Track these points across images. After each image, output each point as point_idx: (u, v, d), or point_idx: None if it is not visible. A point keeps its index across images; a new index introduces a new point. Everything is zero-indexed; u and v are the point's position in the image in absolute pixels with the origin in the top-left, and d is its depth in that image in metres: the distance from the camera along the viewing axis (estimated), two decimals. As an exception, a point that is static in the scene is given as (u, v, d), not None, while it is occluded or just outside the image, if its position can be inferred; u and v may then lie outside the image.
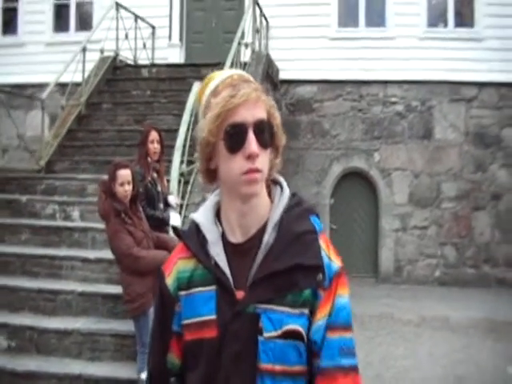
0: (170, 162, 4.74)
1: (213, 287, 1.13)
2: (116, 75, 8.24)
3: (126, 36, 8.34)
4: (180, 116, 5.99)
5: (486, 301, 7.40)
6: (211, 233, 1.16)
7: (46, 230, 5.31)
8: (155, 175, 4.23)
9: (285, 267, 1.08)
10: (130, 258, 3.47)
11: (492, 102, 8.54)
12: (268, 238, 1.12)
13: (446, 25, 8.80)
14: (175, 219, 4.22)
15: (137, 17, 8.58)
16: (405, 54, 8.45)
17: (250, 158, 1.07)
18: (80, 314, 4.47)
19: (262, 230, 1.13)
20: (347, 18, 8.95)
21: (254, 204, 1.13)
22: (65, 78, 6.89)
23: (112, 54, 8.18)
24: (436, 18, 8.86)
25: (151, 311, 3.35)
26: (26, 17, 9.54)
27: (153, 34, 9.05)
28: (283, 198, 1.17)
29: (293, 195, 1.20)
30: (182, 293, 1.17)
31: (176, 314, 1.19)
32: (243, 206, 1.13)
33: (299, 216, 1.15)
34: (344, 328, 1.10)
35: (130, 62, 8.61)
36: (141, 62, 8.72)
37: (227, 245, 1.15)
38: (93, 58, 7.63)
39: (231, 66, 5.94)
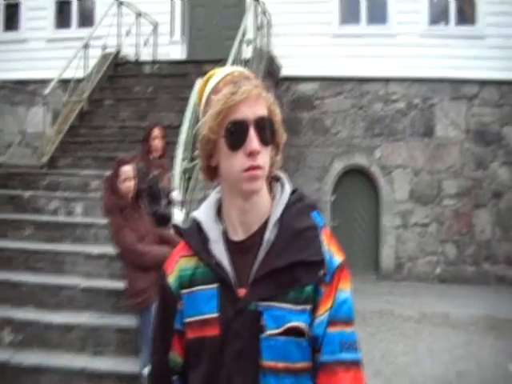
0: (172, 158, 4.76)
1: (215, 285, 1.13)
2: (118, 72, 8.25)
3: (128, 32, 8.36)
4: (182, 112, 6.01)
5: (486, 298, 7.43)
6: (212, 231, 1.16)
7: (49, 225, 5.33)
8: (158, 171, 4.26)
9: (286, 264, 1.08)
10: (134, 254, 3.50)
11: (493, 99, 8.56)
12: (269, 234, 1.12)
13: (447, 22, 8.81)
14: (178, 215, 4.25)
15: (138, 13, 8.59)
16: (406, 51, 8.45)
17: (251, 155, 1.07)
18: (83, 308, 4.48)
19: (263, 227, 1.13)
20: (349, 15, 8.95)
21: (255, 201, 1.13)
22: (67, 75, 6.92)
23: (114, 50, 8.20)
24: (437, 16, 8.86)
25: (154, 306, 3.38)
26: (28, 13, 9.54)
27: (154, 30, 9.05)
28: (284, 194, 1.18)
29: (294, 191, 1.20)
30: (184, 291, 1.17)
31: (178, 313, 1.19)
32: (244, 203, 1.13)
33: (300, 212, 1.15)
34: (345, 322, 1.10)
35: (132, 59, 8.63)
36: (143, 58, 8.72)
37: (229, 242, 1.15)
38: (95, 54, 7.65)
39: (233, 62, 5.96)
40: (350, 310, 1.12)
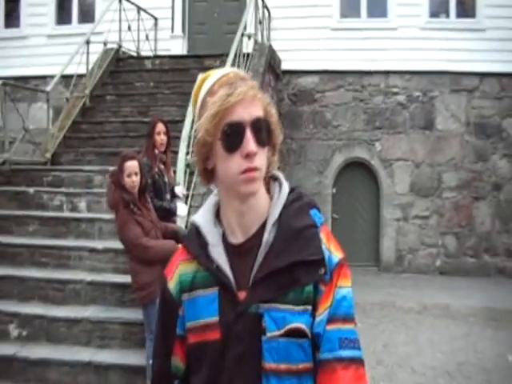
0: (175, 153, 4.80)
1: (215, 289, 1.12)
2: (119, 67, 8.28)
3: (129, 28, 8.38)
4: (183, 107, 6.06)
5: (486, 290, 7.49)
6: (211, 234, 1.16)
7: (53, 221, 5.38)
8: (162, 166, 4.30)
9: (286, 264, 1.07)
10: (139, 248, 3.55)
11: (493, 92, 8.57)
12: (268, 236, 1.11)
13: (447, 15, 8.81)
14: (182, 209, 4.31)
15: (139, 8, 8.60)
16: (406, 44, 8.47)
17: (248, 156, 1.06)
18: (89, 302, 4.56)
19: (262, 229, 1.13)
20: (349, 8, 8.96)
21: (252, 203, 1.12)
22: (68, 71, 6.94)
23: (115, 45, 8.22)
24: (438, 9, 8.86)
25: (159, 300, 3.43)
26: (29, 9, 9.55)
27: (155, 25, 9.07)
28: (282, 194, 1.16)
29: (292, 190, 1.18)
30: (185, 296, 1.17)
31: (179, 318, 1.18)
32: (242, 205, 1.12)
33: (299, 211, 1.14)
34: (344, 320, 1.09)
35: (133, 54, 8.66)
36: (144, 53, 8.75)
37: (228, 245, 1.14)
38: (96, 50, 7.66)
39: (234, 57, 5.99)
40: (350, 307, 1.10)
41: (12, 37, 9.54)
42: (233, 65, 5.89)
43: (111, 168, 4.78)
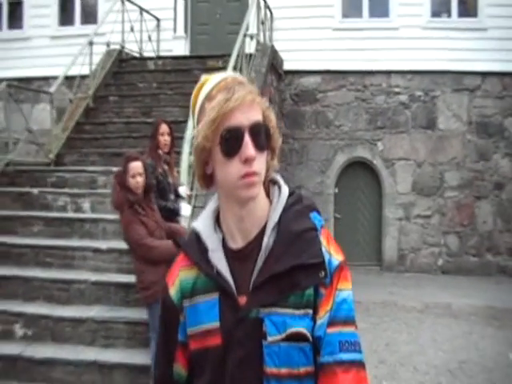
0: (179, 153, 4.84)
1: (215, 294, 1.12)
2: (122, 68, 8.32)
3: (132, 29, 8.42)
4: (186, 108, 6.05)
5: (488, 289, 7.52)
6: (211, 240, 1.15)
7: (57, 221, 5.42)
8: (166, 167, 4.34)
9: (286, 268, 1.07)
10: (144, 248, 3.59)
11: (495, 91, 8.59)
12: (268, 240, 1.11)
13: (449, 15, 8.82)
14: (186, 209, 4.34)
15: (142, 9, 8.64)
16: (408, 44, 8.49)
17: (247, 161, 1.06)
18: (93, 302, 4.59)
19: (261, 233, 1.12)
20: (351, 8, 8.99)
21: (251, 207, 1.12)
22: (71, 72, 6.98)
23: (118, 46, 8.26)
24: (439, 8, 8.87)
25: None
26: (32, 10, 9.59)
27: (158, 26, 9.11)
28: (281, 197, 1.16)
29: (291, 193, 1.18)
30: (186, 302, 1.17)
31: (181, 325, 1.18)
32: (241, 210, 1.12)
33: (298, 214, 1.13)
34: (344, 322, 1.08)
35: (136, 55, 8.69)
36: (146, 54, 8.79)
37: (228, 250, 1.14)
38: (98, 51, 7.71)
39: (237, 57, 6.02)
40: (350, 309, 1.10)
41: (15, 38, 9.59)
42: (235, 65, 5.92)
43: (114, 169, 4.81)
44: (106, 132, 7.05)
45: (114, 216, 4.53)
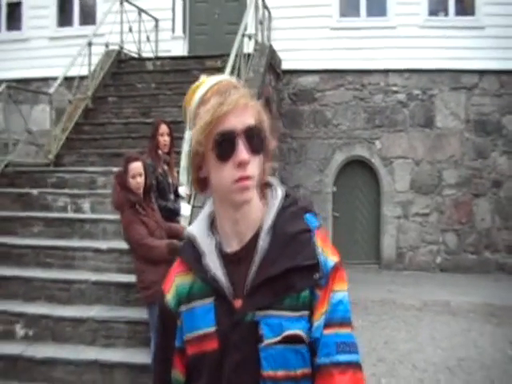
0: (178, 153, 4.85)
1: (211, 299, 1.12)
2: (121, 68, 8.34)
3: (130, 29, 8.43)
4: (185, 108, 6.10)
5: (486, 286, 7.55)
6: (206, 244, 1.15)
7: (58, 221, 5.45)
8: (166, 167, 4.37)
9: (280, 271, 1.07)
10: (144, 248, 3.61)
11: (493, 89, 8.62)
12: (262, 243, 1.10)
13: (446, 13, 8.85)
14: (186, 209, 4.37)
15: (140, 10, 8.65)
16: (406, 42, 8.52)
17: (241, 165, 1.05)
18: (94, 302, 4.61)
19: (256, 236, 1.12)
20: (348, 7, 9.01)
21: (246, 210, 1.12)
22: (70, 73, 7.00)
23: (116, 47, 8.28)
24: (436, 7, 8.90)
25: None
26: (30, 11, 9.60)
27: (156, 26, 9.12)
28: (276, 200, 1.16)
29: (287, 195, 1.18)
30: (183, 308, 1.17)
31: (178, 331, 1.18)
32: (236, 213, 1.12)
33: (293, 216, 1.13)
34: (341, 324, 1.08)
35: (135, 55, 8.71)
36: (145, 54, 8.80)
37: (223, 254, 1.14)
38: (97, 51, 7.72)
39: (235, 57, 6.04)
40: (346, 311, 1.10)
41: (14, 39, 9.60)
42: (234, 65, 5.95)
43: (114, 169, 4.83)
44: (105, 132, 7.07)
45: (114, 216, 4.56)
